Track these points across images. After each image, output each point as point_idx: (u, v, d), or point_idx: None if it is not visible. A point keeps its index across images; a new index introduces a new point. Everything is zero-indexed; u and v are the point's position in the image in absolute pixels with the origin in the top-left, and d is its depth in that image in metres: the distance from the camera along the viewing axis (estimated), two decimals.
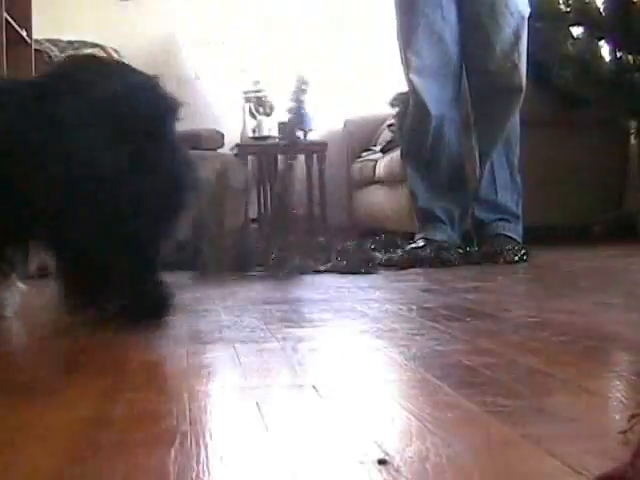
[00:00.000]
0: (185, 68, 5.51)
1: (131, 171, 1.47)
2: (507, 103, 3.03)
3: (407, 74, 3.13)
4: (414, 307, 1.72)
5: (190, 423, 0.83)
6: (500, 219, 3.11)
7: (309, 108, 5.41)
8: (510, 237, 3.04)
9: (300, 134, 3.56)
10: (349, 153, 5.59)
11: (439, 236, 3.09)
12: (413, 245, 3.09)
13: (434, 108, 3.06)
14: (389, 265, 2.81)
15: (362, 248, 3.17)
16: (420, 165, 3.19)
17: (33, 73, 4.33)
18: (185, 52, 5.60)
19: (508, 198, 3.12)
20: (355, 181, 5.39)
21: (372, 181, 4.88)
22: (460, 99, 3.14)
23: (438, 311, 1.65)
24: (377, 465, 0.67)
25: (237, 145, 5.28)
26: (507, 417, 0.82)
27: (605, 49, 3.06)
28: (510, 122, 3.08)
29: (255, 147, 5.34)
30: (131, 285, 1.56)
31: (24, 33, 4.17)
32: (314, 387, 0.98)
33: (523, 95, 2.99)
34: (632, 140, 3.83)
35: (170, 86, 1.64)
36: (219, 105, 5.62)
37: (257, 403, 0.91)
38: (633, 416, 0.73)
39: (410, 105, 3.18)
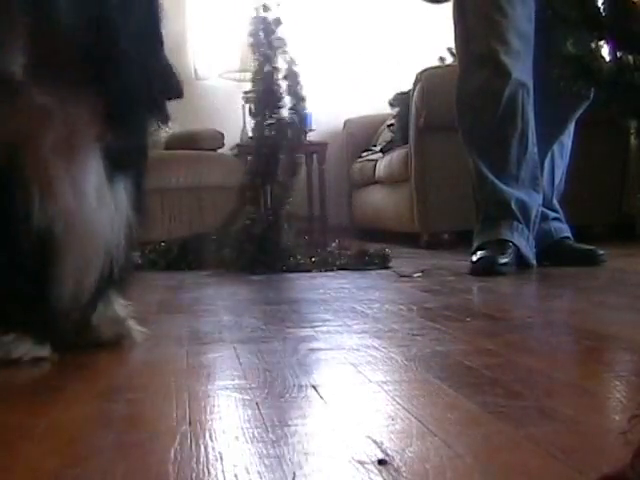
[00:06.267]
0: (185, 68, 5.51)
1: None
2: (575, 105, 2.69)
3: (488, 27, 2.54)
4: (414, 307, 1.72)
5: (190, 423, 0.83)
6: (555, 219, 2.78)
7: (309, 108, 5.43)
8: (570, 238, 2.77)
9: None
10: (349, 153, 5.59)
11: (516, 238, 2.51)
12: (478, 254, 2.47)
13: (515, 70, 2.52)
14: None
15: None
16: (485, 145, 2.59)
17: None
18: (185, 52, 5.60)
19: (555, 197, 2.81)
20: (355, 181, 5.39)
21: (372, 181, 4.89)
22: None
23: (438, 311, 1.65)
24: (377, 465, 0.67)
25: (237, 145, 5.28)
26: (507, 417, 0.82)
27: (605, 49, 3.06)
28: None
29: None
30: None
31: None
32: (314, 387, 0.98)
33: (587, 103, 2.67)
34: (632, 140, 3.83)
35: None
36: (219, 105, 5.62)
37: (257, 403, 0.91)
38: (633, 417, 0.73)
39: (477, 69, 2.58)
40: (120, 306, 1.40)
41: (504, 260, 2.44)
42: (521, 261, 2.51)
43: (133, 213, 1.34)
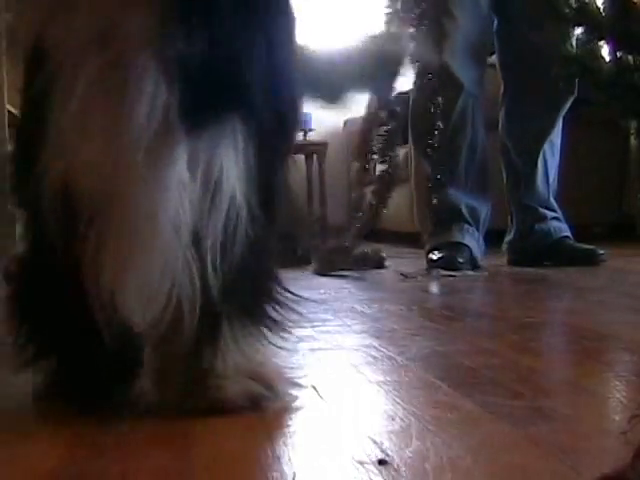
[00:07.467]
0: None
1: None
2: (561, 101, 2.73)
3: (441, 38, 2.62)
4: (414, 307, 1.72)
5: (191, 423, 0.83)
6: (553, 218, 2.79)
7: (309, 108, 5.43)
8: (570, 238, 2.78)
9: None
10: (349, 153, 5.59)
11: (468, 240, 2.64)
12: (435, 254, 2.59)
13: (466, 82, 2.66)
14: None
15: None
16: (436, 153, 2.68)
17: None
18: None
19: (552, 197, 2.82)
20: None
21: (372, 181, 4.88)
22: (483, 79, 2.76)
23: (438, 311, 1.65)
24: (377, 465, 0.67)
25: None
26: (507, 417, 0.82)
27: (605, 49, 3.06)
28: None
29: None
30: None
31: None
32: (314, 387, 0.98)
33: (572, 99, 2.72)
34: (632, 140, 3.83)
35: None
36: None
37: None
38: (633, 417, 0.73)
39: (427, 81, 2.68)
40: (251, 345, 0.93)
41: (461, 260, 2.54)
42: (472, 261, 2.60)
43: (251, 194, 0.83)
